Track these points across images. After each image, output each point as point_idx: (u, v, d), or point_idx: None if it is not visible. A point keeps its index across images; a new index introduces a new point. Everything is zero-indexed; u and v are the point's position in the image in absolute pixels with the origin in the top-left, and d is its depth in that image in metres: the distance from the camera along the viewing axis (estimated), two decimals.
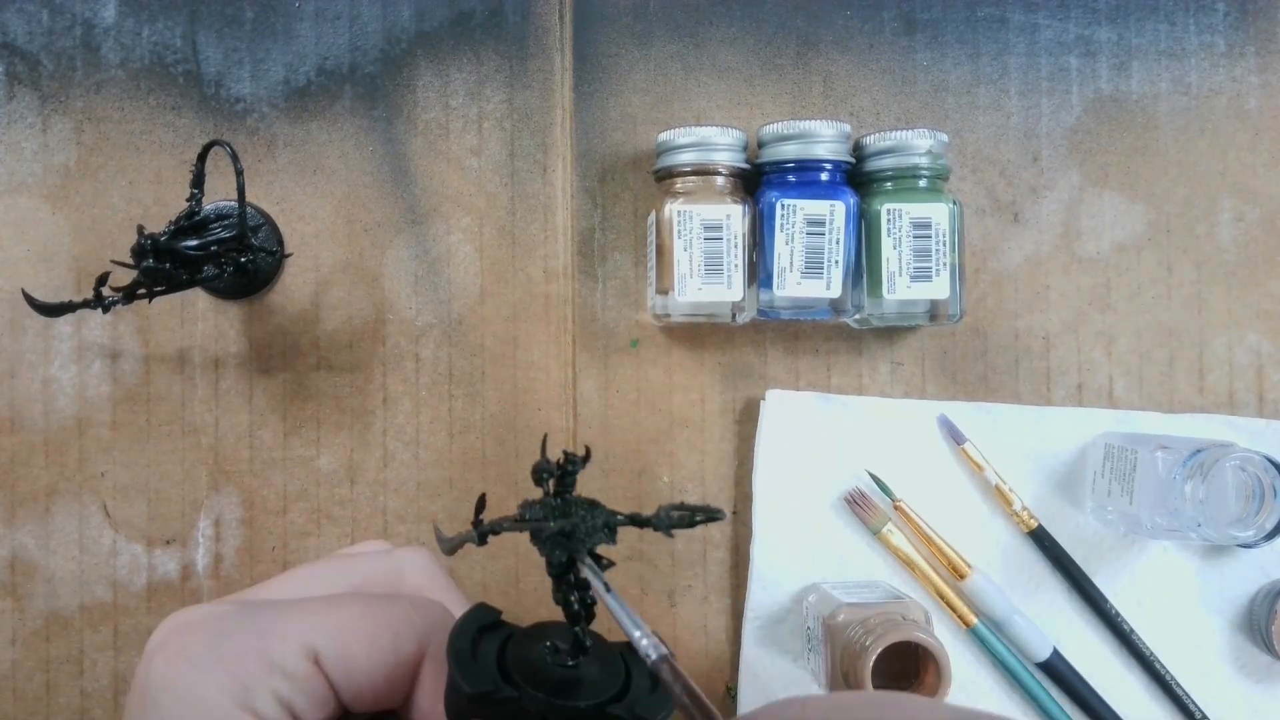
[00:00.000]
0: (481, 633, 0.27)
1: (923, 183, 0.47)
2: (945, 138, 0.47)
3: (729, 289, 0.46)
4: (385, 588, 0.30)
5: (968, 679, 0.49)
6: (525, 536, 0.28)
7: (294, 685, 0.26)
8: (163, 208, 0.50)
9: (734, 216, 0.46)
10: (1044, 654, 0.48)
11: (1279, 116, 0.51)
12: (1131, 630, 0.49)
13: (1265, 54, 0.51)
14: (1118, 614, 0.49)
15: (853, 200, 0.46)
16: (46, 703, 0.50)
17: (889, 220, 0.46)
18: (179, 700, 0.25)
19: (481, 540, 0.27)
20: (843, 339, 0.51)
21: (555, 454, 0.27)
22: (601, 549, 0.27)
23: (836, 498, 0.50)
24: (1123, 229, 0.51)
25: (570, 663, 0.26)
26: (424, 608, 0.28)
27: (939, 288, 0.46)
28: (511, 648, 0.27)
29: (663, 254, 0.46)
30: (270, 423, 0.50)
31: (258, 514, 0.50)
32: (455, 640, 0.26)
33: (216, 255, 0.46)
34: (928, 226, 0.46)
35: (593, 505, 0.27)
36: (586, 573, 0.27)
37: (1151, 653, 0.49)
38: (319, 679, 0.26)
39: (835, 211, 0.46)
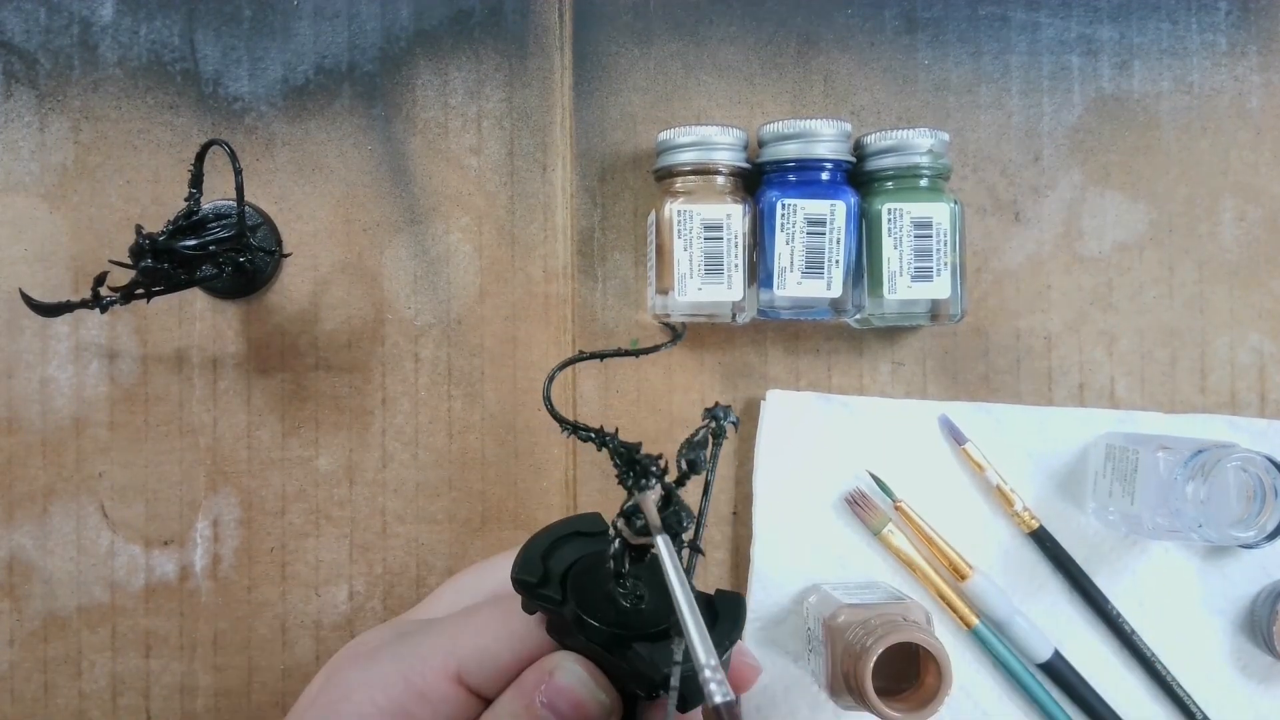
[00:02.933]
0: (567, 540, 0.28)
1: (924, 182, 0.47)
2: (946, 137, 0.47)
3: (729, 289, 0.46)
4: None
5: (969, 680, 0.49)
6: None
7: (434, 710, 0.27)
8: (161, 207, 0.50)
9: (734, 216, 0.46)
10: (1045, 655, 0.48)
11: None
12: (1133, 631, 0.49)
13: (1267, 53, 0.51)
14: (1119, 615, 0.49)
15: (853, 200, 0.46)
16: (44, 704, 0.49)
17: (890, 220, 0.46)
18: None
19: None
20: (843, 339, 0.50)
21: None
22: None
23: (837, 498, 0.50)
24: (1124, 228, 0.51)
25: (628, 603, 0.27)
26: None
27: (940, 287, 0.46)
28: (588, 559, 0.27)
29: (663, 254, 0.46)
30: (269, 423, 0.50)
31: (256, 515, 0.50)
32: (531, 542, 0.27)
33: (215, 255, 0.46)
34: (929, 226, 0.46)
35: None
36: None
37: (1153, 653, 0.49)
38: (461, 696, 0.28)
39: (836, 211, 0.46)
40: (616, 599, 0.27)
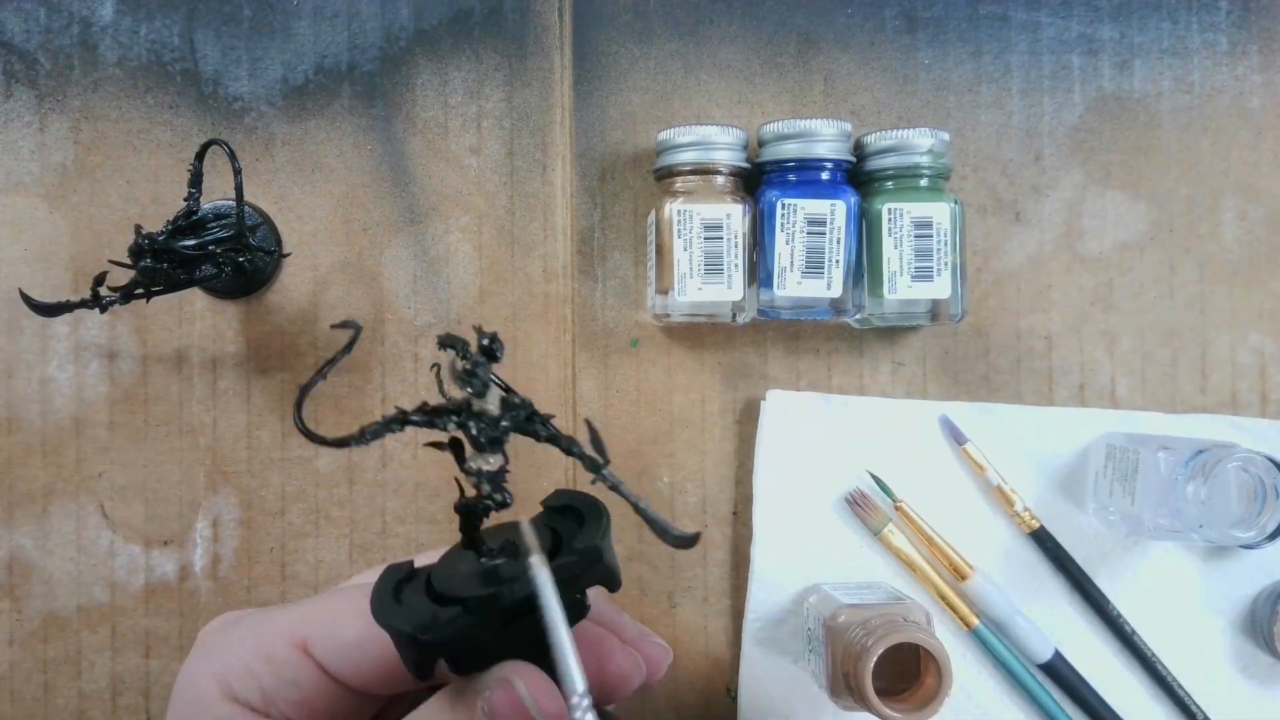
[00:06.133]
0: (402, 584, 0.27)
1: (924, 182, 0.47)
2: (947, 136, 0.47)
3: (729, 289, 0.46)
4: None
5: (969, 680, 0.49)
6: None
7: (277, 673, 0.29)
8: (160, 207, 0.50)
9: (734, 216, 0.46)
10: (1045, 655, 0.48)
11: None
12: (1133, 631, 0.49)
13: (1268, 52, 0.51)
14: (1119, 615, 0.49)
15: (854, 199, 0.46)
16: (44, 704, 0.49)
17: (890, 219, 0.46)
18: (181, 684, 0.30)
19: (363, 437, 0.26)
20: (843, 339, 0.50)
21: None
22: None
23: (837, 498, 0.49)
24: (1125, 228, 0.51)
25: (497, 559, 0.27)
26: None
27: (940, 287, 0.46)
28: (437, 580, 0.27)
29: (662, 254, 0.46)
30: (268, 423, 0.50)
31: (256, 515, 0.50)
32: (374, 600, 0.26)
33: (214, 255, 0.46)
34: (929, 226, 0.46)
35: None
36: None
37: (1153, 654, 0.49)
38: (307, 666, 0.29)
39: (836, 211, 0.46)
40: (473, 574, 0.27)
